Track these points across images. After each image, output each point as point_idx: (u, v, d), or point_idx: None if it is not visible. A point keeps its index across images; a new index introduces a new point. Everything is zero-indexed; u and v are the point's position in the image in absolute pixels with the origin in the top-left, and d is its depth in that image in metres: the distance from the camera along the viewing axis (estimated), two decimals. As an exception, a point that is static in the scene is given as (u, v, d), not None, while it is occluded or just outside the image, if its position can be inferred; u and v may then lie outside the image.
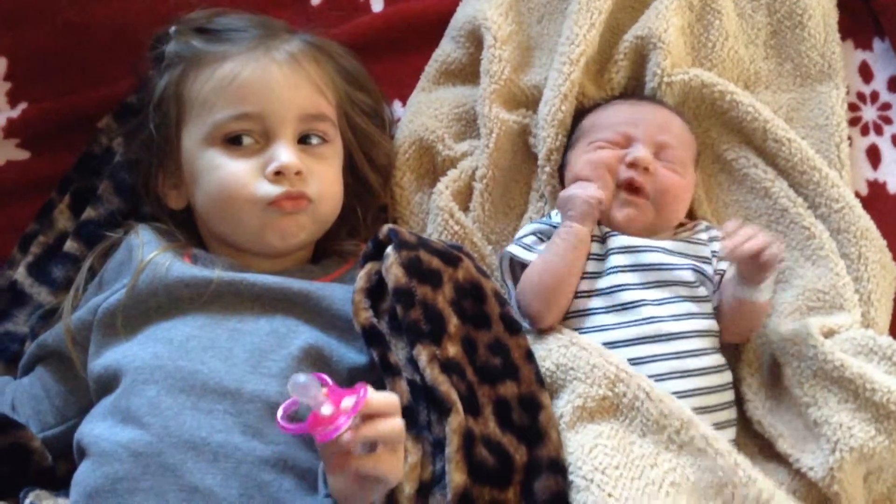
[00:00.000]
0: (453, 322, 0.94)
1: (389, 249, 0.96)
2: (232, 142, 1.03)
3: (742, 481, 0.91)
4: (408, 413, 0.88)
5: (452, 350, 0.92)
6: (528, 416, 0.93)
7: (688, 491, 0.91)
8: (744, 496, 0.91)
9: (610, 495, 0.88)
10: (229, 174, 1.02)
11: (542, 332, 1.05)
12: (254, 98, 1.03)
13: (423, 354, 0.90)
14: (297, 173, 1.02)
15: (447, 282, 0.96)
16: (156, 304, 1.00)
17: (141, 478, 0.89)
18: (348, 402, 0.77)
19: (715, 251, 1.13)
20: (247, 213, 1.02)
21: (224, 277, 1.00)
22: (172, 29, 1.11)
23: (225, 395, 0.93)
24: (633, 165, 1.08)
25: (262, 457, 0.91)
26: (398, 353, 0.93)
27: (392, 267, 0.94)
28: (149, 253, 1.03)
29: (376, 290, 0.97)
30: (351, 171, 1.15)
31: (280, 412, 0.80)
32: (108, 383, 0.97)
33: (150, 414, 0.92)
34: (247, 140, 1.03)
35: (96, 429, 0.94)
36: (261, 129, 1.04)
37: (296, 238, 1.05)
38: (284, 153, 1.02)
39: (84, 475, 0.92)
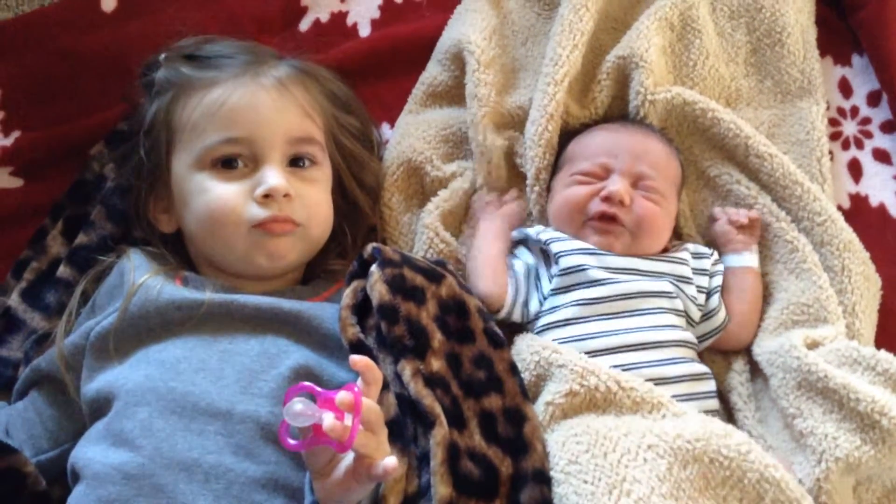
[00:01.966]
0: (437, 337, 0.95)
1: (374, 267, 0.97)
2: (221, 165, 1.05)
3: (718, 434, 0.93)
4: (394, 426, 0.89)
5: (437, 364, 0.93)
6: (513, 429, 0.94)
7: (666, 453, 0.91)
8: (720, 448, 0.92)
9: (585, 482, 0.89)
10: (218, 197, 1.03)
11: (517, 345, 1.06)
12: (242, 122, 1.05)
13: (407, 369, 0.91)
14: (286, 196, 1.03)
15: (430, 298, 0.97)
16: (147, 327, 1.01)
17: (134, 499, 0.89)
18: (343, 395, 0.78)
19: (704, 269, 1.14)
20: (235, 235, 1.03)
21: (215, 299, 1.01)
22: (162, 56, 1.13)
23: (216, 415, 0.94)
24: (607, 199, 1.10)
25: (254, 477, 0.91)
26: (385, 369, 0.94)
27: (376, 284, 0.95)
28: (140, 276, 1.04)
29: (363, 307, 0.99)
30: (340, 193, 1.16)
31: (283, 432, 0.80)
32: (101, 406, 0.98)
33: (142, 436, 0.93)
34: (236, 164, 1.05)
35: (89, 452, 0.95)
36: (249, 153, 1.05)
37: (284, 260, 1.06)
38: (273, 176, 1.03)
39: (78, 499, 0.93)
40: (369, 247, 1.00)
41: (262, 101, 1.06)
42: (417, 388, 0.90)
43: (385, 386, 0.91)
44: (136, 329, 1.01)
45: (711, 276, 1.15)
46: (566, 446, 0.93)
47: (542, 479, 0.91)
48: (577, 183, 1.14)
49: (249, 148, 1.05)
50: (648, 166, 1.13)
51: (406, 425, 0.90)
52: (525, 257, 1.15)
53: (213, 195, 1.03)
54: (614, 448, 0.91)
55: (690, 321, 1.12)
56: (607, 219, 1.10)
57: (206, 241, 1.07)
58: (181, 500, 0.89)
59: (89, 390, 1.00)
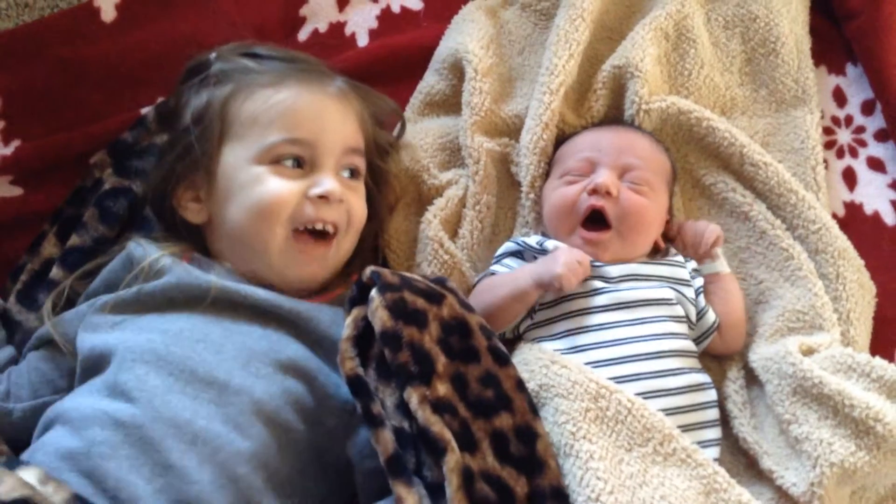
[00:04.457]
0: (441, 361, 0.93)
1: (374, 292, 0.95)
2: (279, 163, 1.06)
3: (723, 486, 0.95)
4: (395, 461, 0.88)
5: (442, 389, 0.91)
6: (525, 447, 0.93)
7: (678, 501, 0.93)
8: (726, 500, 0.94)
9: None
10: (273, 189, 1.04)
11: (523, 354, 1.06)
12: (308, 126, 1.07)
13: (413, 396, 0.90)
14: (339, 200, 1.06)
15: (432, 320, 0.96)
16: (151, 303, 1.02)
17: (120, 446, 0.89)
18: None
19: (696, 269, 1.15)
20: (275, 234, 1.04)
21: (219, 286, 1.02)
22: (213, 55, 1.15)
23: (212, 384, 0.94)
24: (594, 192, 1.11)
25: (240, 449, 0.92)
26: (386, 400, 0.92)
27: (377, 310, 0.93)
28: (151, 255, 1.05)
29: (364, 335, 0.97)
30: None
31: None
32: (96, 364, 0.98)
33: (137, 389, 0.93)
34: (295, 164, 1.07)
35: (79, 399, 0.95)
36: (308, 156, 1.07)
37: (313, 283, 1.09)
38: (329, 180, 1.06)
39: (57, 439, 0.92)
40: (368, 270, 0.99)
41: (328, 108, 1.10)
42: (426, 416, 0.89)
43: (380, 423, 0.90)
44: (140, 303, 1.02)
45: (695, 276, 1.16)
46: (585, 481, 0.93)
47: (561, 497, 0.91)
48: (565, 183, 1.15)
49: (310, 151, 1.07)
50: (634, 157, 1.14)
51: (406, 460, 0.89)
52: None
53: (269, 187, 1.04)
54: (632, 497, 0.93)
55: (691, 324, 1.12)
56: (595, 224, 1.11)
57: (242, 234, 1.06)
58: (166, 455, 0.89)
59: (86, 341, 1.00)
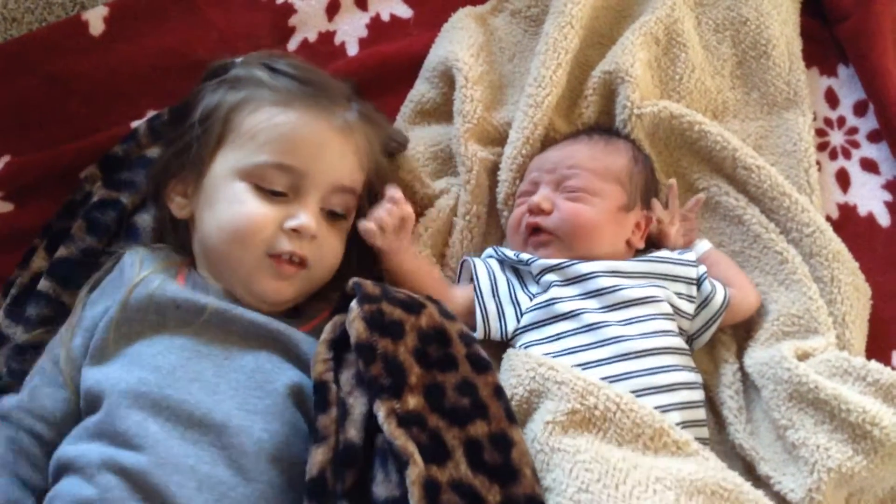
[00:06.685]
0: (415, 372, 0.94)
1: (353, 303, 0.97)
2: (263, 184, 1.05)
3: (718, 467, 0.96)
4: (316, 484, 0.89)
5: (412, 402, 0.92)
6: (499, 455, 0.93)
7: (673, 485, 0.92)
8: (719, 481, 0.93)
9: None
10: (250, 212, 1.03)
11: (510, 360, 1.06)
12: (302, 155, 1.06)
13: (381, 410, 0.91)
14: (313, 237, 1.05)
15: (410, 331, 0.96)
16: (144, 322, 1.01)
17: (130, 495, 0.89)
18: None
19: (691, 261, 1.15)
20: (248, 256, 1.04)
21: (215, 307, 1.01)
22: (238, 59, 1.15)
23: (211, 427, 0.94)
24: (531, 212, 1.14)
25: (245, 493, 0.91)
26: (356, 407, 0.93)
27: (355, 321, 0.95)
28: (144, 270, 1.05)
29: (343, 340, 0.98)
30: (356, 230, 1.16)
31: None
32: (92, 403, 0.98)
33: (138, 436, 0.92)
34: (278, 190, 1.05)
35: (82, 447, 0.95)
36: (293, 184, 1.06)
37: (277, 305, 1.07)
38: (308, 214, 1.05)
39: (71, 487, 0.92)
40: (350, 282, 1.00)
41: (328, 142, 1.08)
42: (391, 429, 0.90)
43: (320, 439, 0.91)
44: (133, 323, 1.01)
45: (696, 265, 1.15)
46: (574, 473, 0.92)
47: None
48: (517, 206, 1.18)
49: (297, 180, 1.06)
50: (568, 167, 1.15)
51: (327, 482, 0.89)
52: (496, 272, 1.15)
53: (247, 209, 1.04)
54: (625, 480, 0.91)
55: (684, 316, 1.12)
56: (536, 234, 1.14)
57: (215, 248, 1.06)
58: (175, 500, 0.89)
59: (87, 380, 1.00)
